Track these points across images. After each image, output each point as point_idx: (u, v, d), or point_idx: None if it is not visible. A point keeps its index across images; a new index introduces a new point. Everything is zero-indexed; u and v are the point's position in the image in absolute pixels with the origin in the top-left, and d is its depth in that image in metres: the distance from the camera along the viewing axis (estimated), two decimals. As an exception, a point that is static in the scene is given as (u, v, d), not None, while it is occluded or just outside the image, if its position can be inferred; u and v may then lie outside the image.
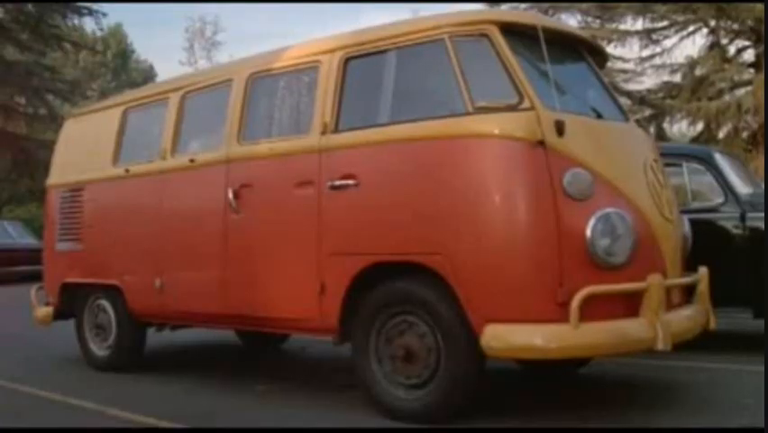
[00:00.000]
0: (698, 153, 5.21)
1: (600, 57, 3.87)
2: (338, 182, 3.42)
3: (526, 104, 3.05)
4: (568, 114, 3.08)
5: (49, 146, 19.22)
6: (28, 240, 16.08)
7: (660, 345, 2.93)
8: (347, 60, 3.55)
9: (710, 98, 16.41)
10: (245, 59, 4.31)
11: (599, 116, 3.43)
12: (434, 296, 3.15)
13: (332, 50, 3.62)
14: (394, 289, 3.30)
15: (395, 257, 3.26)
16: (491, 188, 3.05)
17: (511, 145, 3.00)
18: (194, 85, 4.43)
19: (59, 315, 5.15)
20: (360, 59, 3.52)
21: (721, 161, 5.08)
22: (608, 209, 2.98)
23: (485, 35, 3.20)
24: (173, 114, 4.39)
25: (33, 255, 15.28)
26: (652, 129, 18.07)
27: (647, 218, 3.17)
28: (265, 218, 3.79)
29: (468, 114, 3.12)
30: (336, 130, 3.51)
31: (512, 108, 3.07)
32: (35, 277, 13.72)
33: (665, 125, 18.33)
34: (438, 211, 3.12)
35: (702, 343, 3.74)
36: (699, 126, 17.61)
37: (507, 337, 2.91)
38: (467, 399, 3.19)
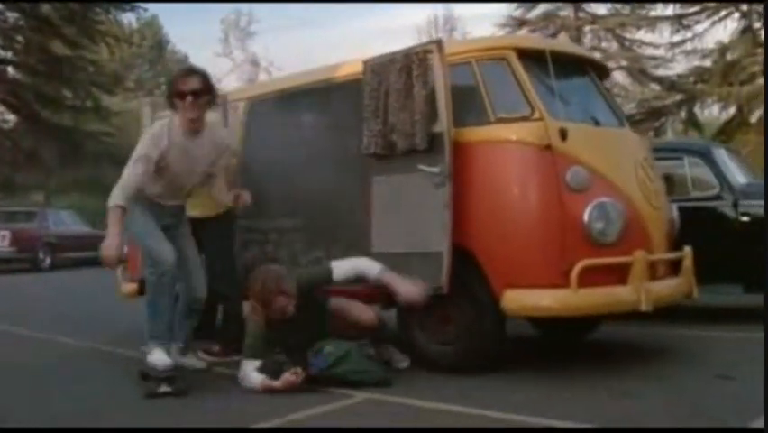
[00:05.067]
0: (697, 148, 5.90)
1: (603, 71, 4.62)
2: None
3: (537, 115, 3.80)
4: (570, 122, 3.83)
5: (94, 137, 20.42)
6: (80, 227, 16.95)
7: (643, 307, 3.68)
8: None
9: (742, 83, 16.51)
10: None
11: (597, 123, 4.17)
12: (464, 269, 3.90)
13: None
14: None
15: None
16: (510, 182, 3.83)
17: (524, 148, 3.76)
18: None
19: (143, 291, 5.98)
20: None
21: (718, 154, 5.76)
22: (602, 199, 3.72)
23: (504, 59, 3.96)
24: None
25: (85, 242, 16.17)
26: (683, 114, 18.44)
27: (636, 206, 3.90)
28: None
29: (490, 123, 3.88)
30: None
31: (525, 119, 3.82)
32: (88, 262, 14.63)
33: (696, 110, 18.68)
34: (467, 201, 3.86)
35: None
36: (731, 111, 17.91)
37: (521, 300, 3.69)
38: (490, 353, 3.95)
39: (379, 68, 4.11)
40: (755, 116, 16.82)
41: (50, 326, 6.43)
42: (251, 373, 3.75)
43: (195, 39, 53.50)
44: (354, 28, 45.54)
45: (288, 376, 3.62)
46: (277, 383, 3.64)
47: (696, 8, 18.14)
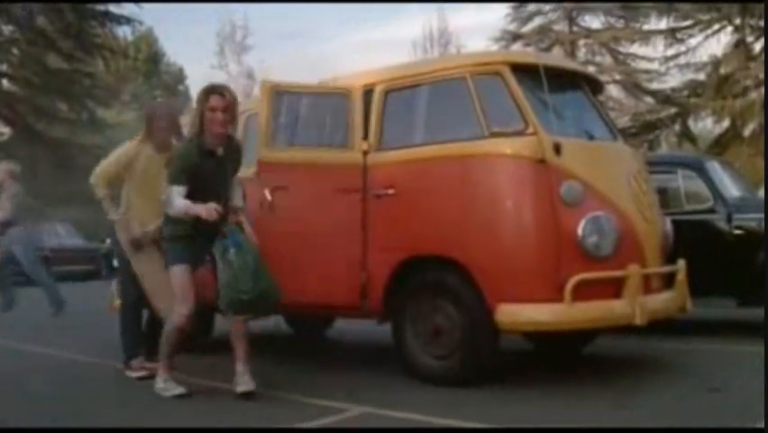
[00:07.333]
0: (690, 162, 5.92)
1: (597, 85, 4.64)
2: (381, 191, 4.19)
3: (531, 130, 3.82)
4: (564, 136, 3.84)
5: (89, 150, 20.35)
6: (75, 240, 16.78)
7: (637, 321, 3.69)
8: (387, 93, 4.33)
9: (735, 96, 16.56)
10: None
11: (591, 137, 4.19)
12: (458, 283, 3.91)
13: (374, 84, 4.38)
14: (426, 278, 4.07)
15: (427, 252, 4.02)
16: (504, 196, 3.83)
17: (519, 163, 3.78)
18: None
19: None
20: (397, 92, 4.30)
21: (712, 168, 5.78)
22: (597, 213, 3.74)
23: (498, 73, 3.98)
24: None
25: (79, 255, 15.95)
26: (677, 127, 18.53)
27: (630, 219, 3.91)
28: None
29: (485, 137, 3.89)
30: (379, 149, 4.27)
31: (519, 133, 3.84)
32: (82, 276, 14.43)
33: (690, 123, 18.74)
34: (462, 215, 3.87)
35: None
36: (725, 124, 17.98)
37: (515, 314, 3.69)
38: (484, 366, 3.94)
39: None
40: (749, 129, 16.90)
41: (35, 338, 6.41)
42: (177, 198, 3.84)
43: (190, 52, 53.54)
44: (352, 41, 45.80)
45: (212, 205, 3.77)
46: (198, 208, 3.77)
47: (689, 22, 18.26)
